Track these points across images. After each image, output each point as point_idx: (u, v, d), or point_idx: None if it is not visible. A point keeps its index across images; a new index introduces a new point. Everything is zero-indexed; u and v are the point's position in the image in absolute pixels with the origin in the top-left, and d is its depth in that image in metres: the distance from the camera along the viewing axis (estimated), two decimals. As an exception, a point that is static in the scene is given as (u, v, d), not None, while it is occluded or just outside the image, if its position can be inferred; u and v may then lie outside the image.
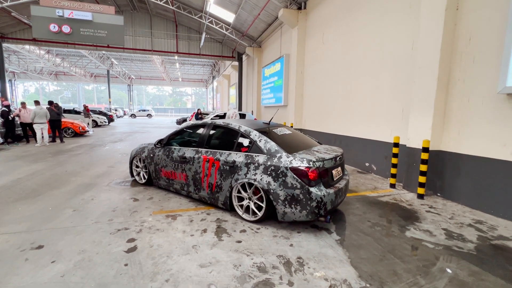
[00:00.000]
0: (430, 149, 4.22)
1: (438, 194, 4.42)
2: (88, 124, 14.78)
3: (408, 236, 2.98)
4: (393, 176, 4.90)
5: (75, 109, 17.50)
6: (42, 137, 9.01)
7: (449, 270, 2.33)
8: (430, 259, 2.50)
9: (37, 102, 9.12)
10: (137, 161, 4.77)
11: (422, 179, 4.22)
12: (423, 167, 4.19)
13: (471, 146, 3.91)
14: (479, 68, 3.78)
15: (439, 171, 4.36)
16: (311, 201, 2.82)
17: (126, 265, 2.31)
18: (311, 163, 2.87)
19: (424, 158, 4.18)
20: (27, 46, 21.59)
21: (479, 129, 3.81)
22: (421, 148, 4.26)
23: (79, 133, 11.96)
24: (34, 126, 8.88)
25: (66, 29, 11.31)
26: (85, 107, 15.27)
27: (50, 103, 9.90)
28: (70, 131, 11.70)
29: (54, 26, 11.19)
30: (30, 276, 2.13)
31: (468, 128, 3.95)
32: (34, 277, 2.13)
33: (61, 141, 10.00)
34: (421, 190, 4.27)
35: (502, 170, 3.52)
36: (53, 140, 9.89)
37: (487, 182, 3.70)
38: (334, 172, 3.18)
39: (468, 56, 3.91)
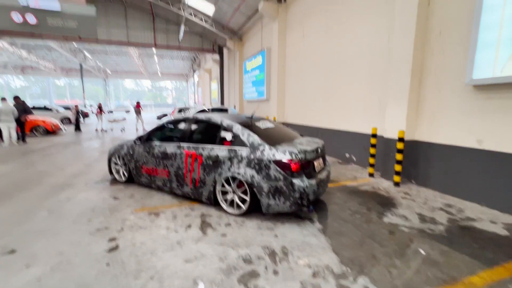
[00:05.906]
0: (405, 139, 4.43)
1: (413, 181, 4.67)
2: (142, 123, 14.05)
3: (385, 221, 3.14)
4: (372, 166, 5.11)
5: (46, 106, 16.51)
6: (10, 136, 8.41)
7: (422, 251, 2.49)
8: (406, 242, 2.66)
9: (3, 99, 8.46)
10: (116, 159, 4.60)
11: (398, 167, 4.44)
12: (399, 156, 4.40)
13: (441, 135, 4.16)
14: (448, 61, 4.00)
15: (414, 160, 4.61)
16: (294, 192, 2.88)
17: (108, 264, 2.25)
18: (293, 155, 2.92)
19: (399, 148, 4.39)
20: (-13, 38, 19.79)
21: (449, 119, 4.04)
22: (397, 138, 4.46)
23: (51, 131, 11.31)
24: (0, 125, 8.25)
25: (31, 19, 10.45)
26: (138, 104, 14.33)
27: (16, 98, 9.20)
28: (41, 129, 11.02)
29: (17, 16, 10.32)
30: (3, 283, 2.02)
31: (439, 118, 4.18)
32: (7, 283, 2.02)
33: (23, 140, 9.14)
34: (397, 178, 4.49)
35: (468, 157, 3.78)
36: (23, 139, 9.26)
37: (456, 169, 3.97)
38: (316, 163, 3.26)
39: (438, 49, 4.12)
